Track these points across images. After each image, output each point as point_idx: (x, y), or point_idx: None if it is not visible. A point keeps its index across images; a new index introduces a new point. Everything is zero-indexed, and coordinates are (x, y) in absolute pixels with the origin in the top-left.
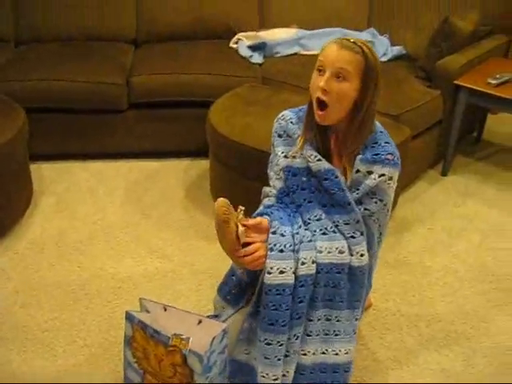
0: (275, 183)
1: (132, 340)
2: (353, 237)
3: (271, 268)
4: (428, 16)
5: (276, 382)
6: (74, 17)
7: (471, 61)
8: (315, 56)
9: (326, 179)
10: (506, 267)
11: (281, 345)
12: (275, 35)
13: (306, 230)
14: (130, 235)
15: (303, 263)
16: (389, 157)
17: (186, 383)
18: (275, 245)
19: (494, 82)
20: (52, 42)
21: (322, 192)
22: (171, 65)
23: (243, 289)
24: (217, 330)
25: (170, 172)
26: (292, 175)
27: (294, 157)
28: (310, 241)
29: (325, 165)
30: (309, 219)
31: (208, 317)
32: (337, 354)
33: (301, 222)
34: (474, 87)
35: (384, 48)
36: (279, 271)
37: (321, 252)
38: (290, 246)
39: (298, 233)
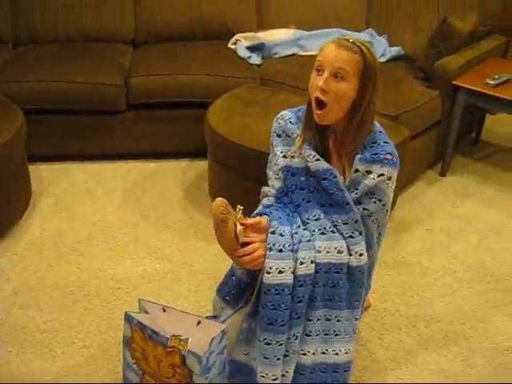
0: (274, 183)
1: (131, 341)
2: (351, 236)
3: (270, 268)
4: (427, 17)
5: (275, 381)
6: (72, 17)
7: (470, 61)
8: (313, 57)
9: (324, 179)
10: (504, 267)
11: (280, 344)
12: (273, 36)
13: (304, 229)
14: (129, 236)
15: (302, 263)
16: (388, 156)
17: None
18: (274, 244)
19: (492, 82)
20: (50, 42)
21: (321, 192)
22: (169, 65)
23: (242, 289)
24: (216, 331)
25: (169, 173)
26: (291, 175)
27: (292, 156)
28: (309, 240)
29: (323, 164)
30: (307, 219)
31: (207, 317)
32: (337, 354)
33: (300, 222)
34: (473, 88)
35: (382, 48)
36: (278, 271)
37: (319, 252)
38: (289, 245)
39: (296, 232)
